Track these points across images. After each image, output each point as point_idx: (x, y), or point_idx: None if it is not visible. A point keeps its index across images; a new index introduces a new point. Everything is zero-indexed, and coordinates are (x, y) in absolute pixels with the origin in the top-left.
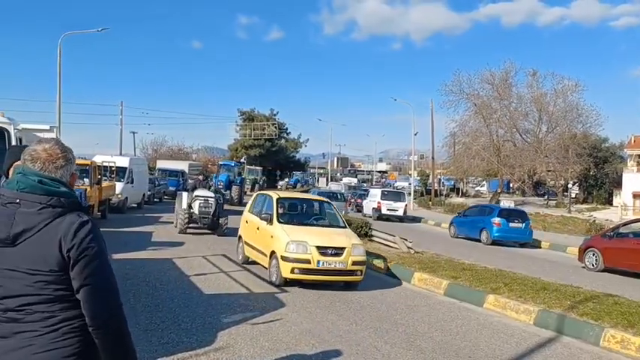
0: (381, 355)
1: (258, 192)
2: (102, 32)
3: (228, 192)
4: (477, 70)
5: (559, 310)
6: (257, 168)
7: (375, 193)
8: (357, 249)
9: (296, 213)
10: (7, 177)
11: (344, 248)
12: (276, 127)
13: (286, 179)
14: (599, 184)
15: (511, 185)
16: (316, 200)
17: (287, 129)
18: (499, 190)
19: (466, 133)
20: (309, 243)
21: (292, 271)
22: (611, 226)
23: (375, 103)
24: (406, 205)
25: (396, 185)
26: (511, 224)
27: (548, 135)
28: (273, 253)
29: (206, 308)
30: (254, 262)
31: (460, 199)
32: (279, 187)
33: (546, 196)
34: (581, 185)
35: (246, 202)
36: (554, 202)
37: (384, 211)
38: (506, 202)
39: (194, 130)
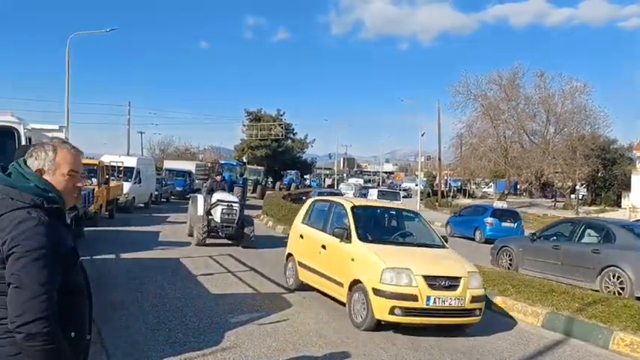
0: (388, 355)
1: (315, 198)
2: (110, 33)
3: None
4: (485, 71)
5: (567, 312)
6: (259, 168)
7: (373, 193)
8: (474, 279)
9: (377, 227)
10: None
11: (459, 278)
12: (282, 128)
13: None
14: (608, 186)
15: (518, 187)
16: (400, 210)
17: (293, 129)
18: (506, 192)
19: (473, 134)
20: (413, 271)
21: (392, 312)
22: None
23: (382, 104)
24: (401, 204)
25: (402, 186)
26: (503, 224)
27: (555, 136)
28: (356, 283)
29: (213, 308)
30: (311, 288)
31: (467, 200)
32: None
33: (554, 198)
34: (589, 187)
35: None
36: (562, 203)
37: None
38: (499, 203)
39: (201, 130)
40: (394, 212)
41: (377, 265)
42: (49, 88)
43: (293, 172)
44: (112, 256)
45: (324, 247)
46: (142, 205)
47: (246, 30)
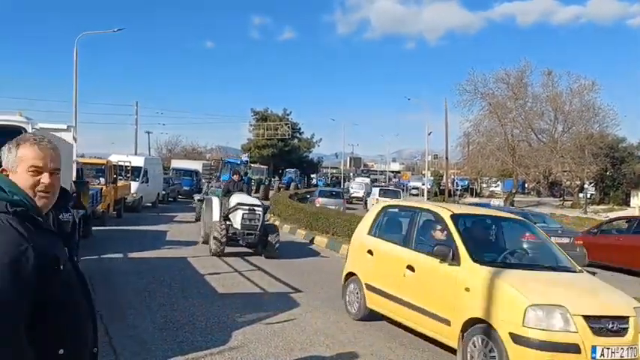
0: (395, 356)
1: (386, 204)
2: (117, 33)
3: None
4: (492, 70)
5: None
6: (262, 167)
7: (375, 192)
8: None
9: (489, 244)
10: None
11: (626, 318)
12: (289, 127)
13: (280, 178)
14: (616, 185)
15: (526, 185)
16: (512, 219)
17: (300, 129)
18: (514, 191)
19: (480, 133)
20: (569, 310)
21: None
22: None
23: (389, 103)
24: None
25: (409, 185)
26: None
27: (564, 135)
28: (474, 322)
29: (220, 307)
30: (384, 317)
31: (474, 200)
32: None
33: (562, 197)
34: (598, 186)
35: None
36: (570, 202)
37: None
38: (496, 201)
39: (208, 129)
40: (506, 222)
41: (515, 300)
42: (57, 89)
43: (292, 170)
44: (120, 255)
45: (411, 268)
46: (150, 204)
47: (252, 29)
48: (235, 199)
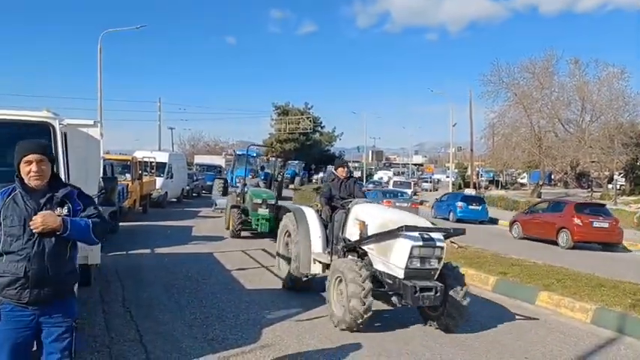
0: (431, 354)
1: None
2: (139, 29)
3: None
4: (517, 59)
5: (619, 308)
6: (272, 159)
7: (390, 184)
8: None
9: None
10: (18, 171)
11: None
12: (310, 121)
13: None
14: None
15: (553, 177)
16: None
17: (321, 122)
18: (540, 182)
19: (506, 124)
20: None
21: None
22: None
23: (411, 95)
24: (412, 191)
25: (433, 178)
26: (470, 207)
27: (592, 125)
28: None
29: (249, 304)
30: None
31: (500, 192)
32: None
33: (590, 188)
34: (627, 176)
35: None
36: (599, 193)
37: None
38: (469, 191)
39: (230, 125)
40: None
41: None
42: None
43: (295, 162)
44: (147, 250)
45: None
46: (174, 199)
47: (272, 24)
48: (375, 212)
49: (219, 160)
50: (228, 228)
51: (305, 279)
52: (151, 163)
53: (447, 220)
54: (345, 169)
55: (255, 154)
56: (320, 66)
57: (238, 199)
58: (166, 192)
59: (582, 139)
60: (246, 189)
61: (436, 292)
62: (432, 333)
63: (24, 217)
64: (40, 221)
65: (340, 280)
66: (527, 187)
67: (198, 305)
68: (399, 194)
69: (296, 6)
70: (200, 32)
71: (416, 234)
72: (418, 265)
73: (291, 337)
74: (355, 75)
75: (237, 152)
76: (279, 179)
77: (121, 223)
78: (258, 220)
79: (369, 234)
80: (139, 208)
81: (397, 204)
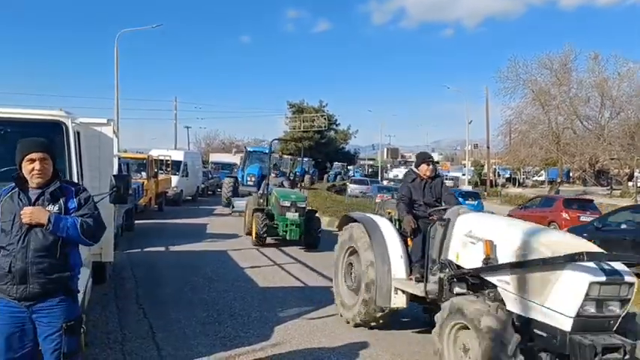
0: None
1: None
2: (156, 29)
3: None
4: (534, 56)
5: None
6: (285, 157)
7: None
8: None
9: None
10: (19, 170)
11: None
12: (325, 119)
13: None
14: None
15: (571, 174)
16: None
17: (336, 120)
18: (558, 180)
19: (523, 121)
20: None
21: None
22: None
23: (427, 92)
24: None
25: (449, 176)
26: (467, 202)
27: (611, 121)
28: None
29: (261, 302)
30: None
31: (517, 190)
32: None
33: (609, 186)
34: None
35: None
36: (619, 191)
37: None
38: (464, 187)
39: (245, 123)
40: None
41: None
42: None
43: (305, 159)
44: (162, 248)
45: None
46: (190, 197)
47: (287, 23)
48: (501, 227)
49: (234, 159)
50: (249, 234)
51: (381, 313)
52: (166, 161)
53: None
54: (430, 165)
55: (267, 151)
56: (335, 64)
57: (261, 200)
58: (182, 190)
59: (601, 135)
60: (269, 189)
61: (624, 354)
62: None
63: (14, 213)
64: (28, 213)
65: (462, 328)
66: (545, 185)
67: (210, 303)
68: (394, 189)
69: (311, 5)
70: (215, 31)
71: (591, 264)
72: (593, 310)
73: (303, 336)
74: (370, 72)
75: (249, 149)
76: (291, 178)
77: (136, 221)
78: (286, 225)
79: (499, 259)
80: (155, 206)
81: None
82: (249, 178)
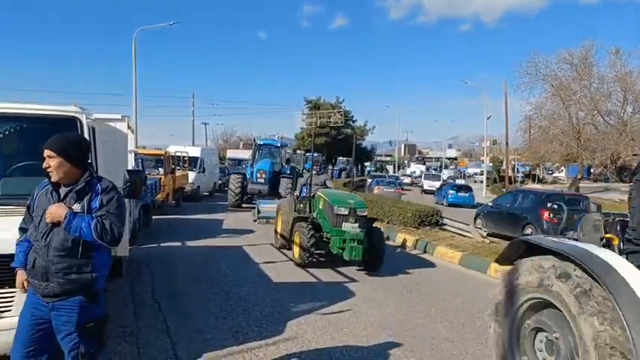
0: (458, 351)
1: None
2: (173, 26)
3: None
4: (554, 50)
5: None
6: (299, 152)
7: (422, 177)
8: None
9: None
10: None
11: None
12: (342, 115)
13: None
14: None
15: (592, 171)
16: None
17: (353, 116)
18: (579, 176)
19: (543, 117)
20: None
21: None
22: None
23: (444, 88)
24: (440, 183)
25: (467, 172)
26: (459, 194)
27: (634, 116)
28: None
29: (275, 297)
30: None
31: (537, 186)
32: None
33: (632, 182)
34: None
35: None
36: None
37: (425, 187)
38: (459, 181)
39: (262, 119)
40: None
41: None
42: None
43: (316, 155)
44: (179, 243)
45: None
46: (207, 193)
47: (304, 19)
48: None
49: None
50: (287, 247)
51: None
52: (183, 157)
53: (442, 204)
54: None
55: (279, 144)
56: (352, 60)
57: (302, 206)
58: (199, 186)
59: (623, 131)
60: (309, 190)
61: None
62: (456, 327)
63: (43, 210)
64: (50, 211)
65: None
66: (565, 182)
67: (224, 297)
68: (390, 183)
69: (327, 0)
70: (232, 28)
71: None
72: None
73: (316, 331)
74: (388, 68)
75: (259, 142)
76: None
77: (154, 216)
78: (343, 242)
79: None
80: (172, 202)
81: (385, 190)
82: (259, 175)
